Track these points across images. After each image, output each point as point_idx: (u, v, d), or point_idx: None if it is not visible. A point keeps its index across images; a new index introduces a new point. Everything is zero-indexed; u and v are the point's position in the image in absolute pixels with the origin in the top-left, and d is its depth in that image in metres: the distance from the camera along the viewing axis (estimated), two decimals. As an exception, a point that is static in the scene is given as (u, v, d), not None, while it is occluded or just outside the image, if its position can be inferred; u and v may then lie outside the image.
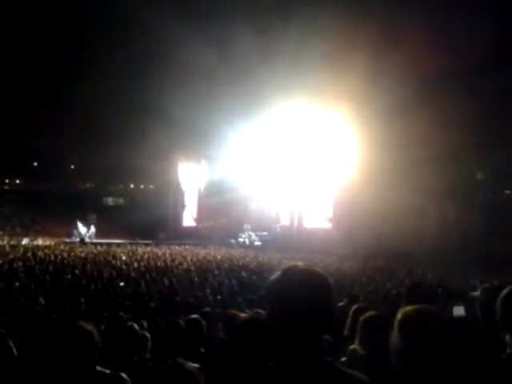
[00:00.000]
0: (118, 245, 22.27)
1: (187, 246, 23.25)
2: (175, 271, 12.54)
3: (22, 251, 16.77)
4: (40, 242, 22.84)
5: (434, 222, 23.43)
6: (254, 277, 11.64)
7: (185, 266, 14.07)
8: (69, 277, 10.64)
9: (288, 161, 29.87)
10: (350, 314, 3.59)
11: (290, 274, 1.52)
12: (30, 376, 2.60)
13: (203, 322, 3.69)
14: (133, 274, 11.53)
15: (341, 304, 5.64)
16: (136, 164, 31.23)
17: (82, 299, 7.17)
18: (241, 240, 28.53)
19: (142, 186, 40.31)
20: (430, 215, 23.79)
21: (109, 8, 23.64)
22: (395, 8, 20.79)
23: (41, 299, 6.75)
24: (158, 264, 14.41)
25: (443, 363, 1.58)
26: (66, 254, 16.08)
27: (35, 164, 38.61)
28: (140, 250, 19.65)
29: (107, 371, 2.38)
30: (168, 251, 19.39)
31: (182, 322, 3.65)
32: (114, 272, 11.59)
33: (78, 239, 25.55)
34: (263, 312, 2.47)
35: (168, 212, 33.03)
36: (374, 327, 2.74)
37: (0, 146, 31.16)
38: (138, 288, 9.36)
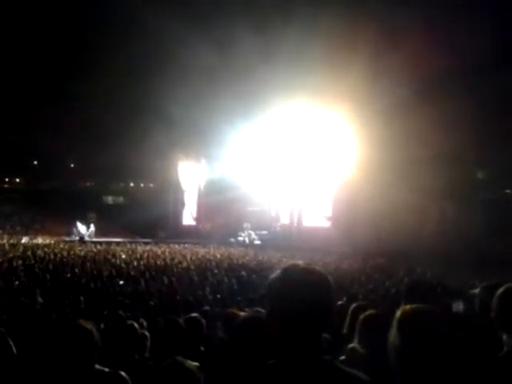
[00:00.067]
0: (118, 243, 22.28)
1: (187, 245, 23.25)
2: (175, 270, 12.54)
3: (21, 250, 16.77)
4: (40, 240, 22.84)
5: (434, 220, 23.44)
6: (254, 276, 11.64)
7: (184, 264, 14.07)
8: (68, 275, 10.64)
9: (288, 160, 29.87)
10: (349, 312, 3.59)
11: (289, 273, 1.52)
12: (30, 374, 2.60)
13: (203, 321, 3.70)
14: (132, 273, 11.53)
15: (340, 303, 5.65)
16: (136, 163, 31.23)
17: (82, 298, 7.17)
18: (240, 239, 28.53)
19: (141, 185, 40.30)
20: (429, 214, 23.80)
21: (109, 8, 23.64)
22: (395, 8, 20.80)
23: (39, 298, 6.74)
24: (158, 263, 14.40)
25: (440, 362, 1.58)
26: (65, 253, 16.08)
27: (35, 163, 38.60)
28: (140, 248, 19.64)
29: (106, 369, 2.38)
30: (168, 250, 19.39)
31: (181, 321, 3.65)
32: (113, 271, 11.59)
33: (77, 238, 25.55)
34: (263, 311, 2.47)
35: (168, 211, 33.00)
36: (373, 326, 2.74)
37: (0, 144, 31.15)
38: (138, 287, 9.36)
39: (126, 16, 24.06)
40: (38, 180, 36.98)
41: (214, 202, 30.08)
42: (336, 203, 27.40)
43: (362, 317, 2.94)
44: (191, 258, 15.97)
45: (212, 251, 20.16)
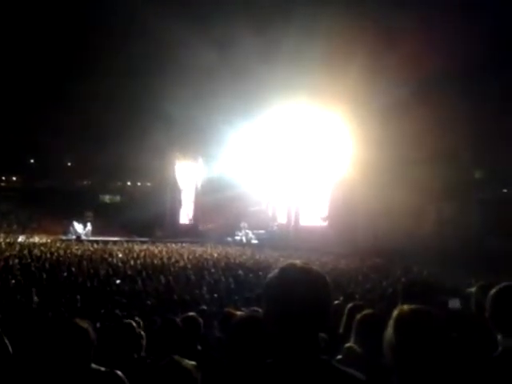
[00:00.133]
0: (115, 242, 22.24)
1: (184, 244, 23.24)
2: (172, 269, 12.53)
3: (18, 249, 16.71)
4: (36, 239, 22.77)
5: (431, 220, 23.49)
6: (251, 275, 11.64)
7: (181, 263, 14.06)
8: (65, 274, 10.61)
9: (285, 160, 29.90)
10: (346, 312, 3.60)
11: (287, 272, 1.52)
12: (26, 373, 2.59)
13: (200, 320, 3.69)
14: (129, 272, 11.51)
15: (336, 302, 5.65)
16: (133, 162, 31.19)
17: (78, 297, 7.16)
18: (238, 238, 28.54)
19: (139, 184, 40.23)
20: (426, 214, 23.85)
21: (109, 8, 23.61)
22: (392, 9, 20.86)
23: (35, 297, 6.72)
24: (155, 262, 14.39)
25: (436, 362, 1.59)
26: (62, 252, 16.04)
27: (32, 161, 38.50)
28: (136, 247, 19.62)
29: (102, 368, 2.38)
30: (165, 249, 19.37)
31: (178, 320, 3.64)
32: (110, 270, 11.57)
33: (74, 237, 25.49)
34: (260, 310, 2.47)
35: (165, 210, 32.96)
36: (369, 325, 2.75)
37: (-4, 143, 31.10)
38: (135, 286, 9.34)
39: (125, 16, 24.05)
40: (35, 178, 36.87)
41: (212, 201, 30.09)
42: (333, 203, 27.43)
43: (358, 316, 2.94)
44: (188, 257, 15.96)
45: (209, 250, 20.16)
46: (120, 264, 13.07)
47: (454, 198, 23.03)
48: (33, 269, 10.86)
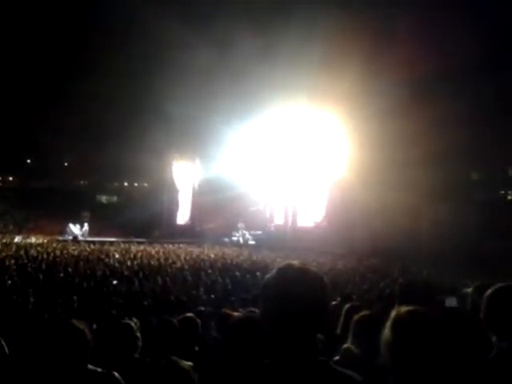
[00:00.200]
0: (112, 243, 22.18)
1: (181, 245, 23.21)
2: (169, 270, 12.50)
3: (14, 249, 16.66)
4: (33, 239, 22.69)
5: (428, 221, 23.53)
6: (248, 276, 11.62)
7: (178, 264, 14.03)
8: (61, 275, 10.58)
9: (283, 161, 29.92)
10: (343, 312, 3.60)
11: (285, 273, 1.52)
12: (22, 374, 2.58)
13: (198, 321, 3.69)
14: (126, 273, 11.48)
15: (334, 303, 5.65)
16: (130, 162, 31.15)
17: (75, 297, 7.13)
18: (235, 239, 28.53)
19: (136, 184, 40.18)
20: (424, 215, 23.90)
21: (109, 8, 23.62)
22: (389, 12, 20.95)
23: (31, 298, 6.70)
24: (152, 263, 14.36)
25: (432, 363, 1.60)
26: (58, 252, 15.99)
27: (29, 161, 38.41)
28: (133, 248, 19.57)
29: (99, 369, 2.37)
30: (162, 250, 19.34)
31: (175, 321, 3.63)
32: (107, 270, 11.54)
33: (70, 237, 25.44)
34: (257, 311, 2.46)
35: (162, 210, 32.93)
36: (367, 326, 2.75)
37: (-7, 143, 31.02)
38: (132, 286, 9.32)
39: (125, 16, 24.08)
40: (32, 179, 36.77)
41: (209, 201, 30.08)
42: (330, 204, 27.47)
43: (356, 317, 2.95)
44: (185, 258, 15.93)
45: (206, 251, 20.14)
46: (117, 265, 13.03)
47: (450, 199, 23.08)
48: (29, 269, 10.82)
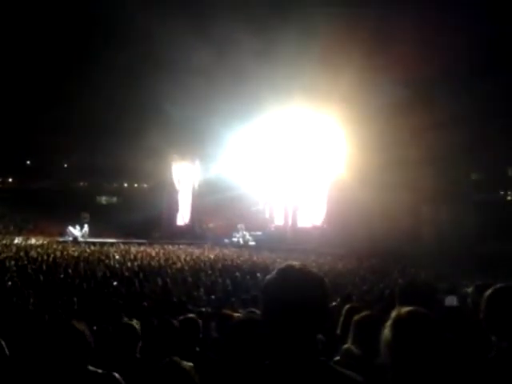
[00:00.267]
0: (112, 244, 22.17)
1: (181, 246, 23.20)
2: (169, 271, 12.50)
3: (14, 250, 16.66)
4: (33, 241, 22.69)
5: (428, 221, 23.55)
6: (248, 276, 11.62)
7: (178, 265, 14.04)
8: (62, 276, 10.58)
9: (282, 161, 29.93)
10: (343, 313, 3.60)
11: (285, 274, 1.52)
12: (22, 375, 2.58)
13: (199, 322, 3.69)
14: (126, 274, 11.48)
15: (334, 303, 5.66)
16: (130, 163, 31.15)
17: (75, 298, 7.13)
18: (235, 240, 28.51)
19: (135, 185, 40.17)
20: (423, 215, 23.92)
21: (109, 8, 23.65)
22: (387, 13, 20.98)
23: (31, 299, 6.69)
24: (152, 263, 14.37)
25: (432, 363, 1.60)
26: (58, 253, 15.99)
27: (28, 162, 38.41)
28: (133, 249, 19.57)
29: (99, 371, 2.37)
30: (162, 251, 19.34)
31: (175, 322, 3.63)
32: (107, 271, 11.54)
33: (71, 238, 25.43)
34: (257, 311, 2.47)
35: (162, 211, 32.92)
36: (367, 327, 2.75)
37: (-8, 144, 31.01)
38: (132, 287, 9.32)
39: (125, 16, 24.07)
40: (31, 180, 36.76)
41: (209, 202, 30.08)
42: (330, 204, 27.48)
43: (356, 318, 2.95)
44: (185, 259, 15.93)
45: (206, 252, 20.13)
46: (117, 266, 13.03)
47: (450, 200, 23.11)
48: (29, 270, 10.82)
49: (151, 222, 30.09)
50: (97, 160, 32.59)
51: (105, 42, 25.32)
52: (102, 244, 21.56)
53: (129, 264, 13.74)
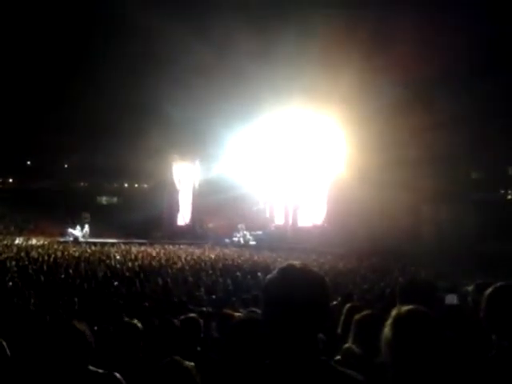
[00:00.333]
0: (112, 244, 22.18)
1: (182, 246, 23.21)
2: (169, 271, 12.51)
3: (15, 251, 16.67)
4: (34, 241, 22.70)
5: (428, 221, 23.55)
6: (249, 276, 11.63)
7: (179, 265, 14.05)
8: (62, 276, 10.59)
9: (283, 161, 29.94)
10: (344, 312, 3.60)
11: (286, 273, 1.52)
12: (23, 376, 2.59)
13: (201, 321, 3.69)
14: (127, 274, 11.48)
15: (334, 303, 5.66)
16: (130, 163, 31.15)
17: (76, 299, 7.13)
18: (235, 239, 28.51)
19: (136, 185, 40.18)
20: (423, 214, 23.92)
21: (108, 8, 23.66)
22: (386, 14, 20.99)
23: (32, 300, 6.70)
24: (153, 263, 14.38)
25: (432, 362, 1.61)
26: (59, 254, 16.00)
27: (29, 163, 38.41)
28: (134, 249, 19.59)
29: (100, 371, 2.38)
30: (162, 251, 19.35)
31: (176, 321, 3.64)
32: (108, 271, 11.55)
33: (71, 238, 25.44)
34: (258, 311, 2.47)
35: (162, 211, 32.91)
36: (368, 326, 2.75)
37: (-8, 144, 31.03)
38: (132, 287, 9.32)
39: (125, 16, 24.10)
40: (32, 180, 36.78)
41: (209, 202, 30.08)
42: (330, 204, 27.48)
43: (356, 317, 2.95)
44: (186, 259, 15.94)
45: (207, 252, 20.14)
46: (118, 266, 13.04)
47: (450, 199, 23.10)
48: (30, 271, 10.83)
49: (152, 222, 30.09)
50: (97, 160, 32.60)
51: (106, 42, 25.34)
52: (103, 244, 21.58)
53: (129, 264, 13.75)
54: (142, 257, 16.31)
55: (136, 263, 14.14)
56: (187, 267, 13.55)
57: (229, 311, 4.03)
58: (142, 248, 20.45)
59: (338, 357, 2.81)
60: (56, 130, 29.65)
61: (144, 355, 3.42)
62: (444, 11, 20.64)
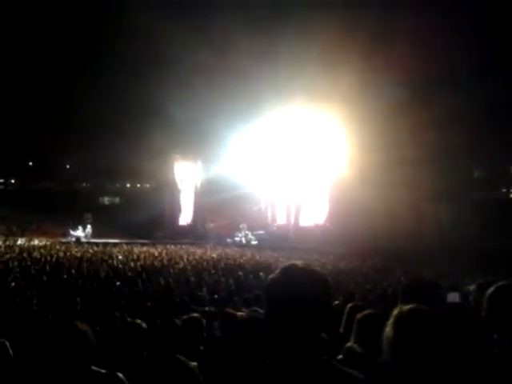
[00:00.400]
0: (115, 244, 22.22)
1: (184, 246, 23.23)
2: (171, 271, 12.52)
3: (17, 251, 16.70)
4: (36, 241, 22.73)
5: (430, 220, 23.51)
6: (251, 276, 11.63)
7: (181, 265, 14.06)
8: (65, 276, 10.60)
9: (284, 161, 29.94)
10: (346, 312, 3.60)
11: (289, 273, 1.53)
12: (26, 376, 2.60)
13: (203, 321, 3.69)
14: (129, 274, 11.50)
15: (336, 302, 5.66)
16: (132, 163, 31.19)
17: (78, 299, 7.14)
18: (237, 239, 28.53)
19: (138, 186, 40.23)
20: (425, 214, 23.87)
21: (110, 9, 23.69)
22: (387, 14, 20.98)
23: (35, 300, 6.71)
24: (155, 263, 14.40)
25: (433, 361, 1.61)
26: (61, 254, 16.03)
27: (31, 163, 38.48)
28: (136, 249, 19.61)
29: (103, 371, 2.38)
30: (164, 251, 19.37)
31: (178, 321, 3.64)
32: (110, 272, 11.56)
33: (73, 239, 25.49)
34: (260, 310, 2.47)
35: (164, 211, 32.95)
36: (370, 325, 2.75)
37: (-5, 145, 31.10)
38: (135, 287, 9.33)
39: (126, 17, 24.12)
40: (34, 181, 36.84)
41: (211, 202, 30.10)
42: (331, 203, 27.48)
43: (358, 316, 2.95)
44: (188, 259, 15.95)
45: (209, 252, 20.15)
46: (120, 266, 13.06)
47: (452, 198, 23.07)
48: (32, 271, 10.85)
49: (154, 222, 30.13)
50: (99, 160, 32.65)
51: (109, 44, 25.36)
52: (105, 244, 21.62)
53: (132, 264, 13.76)
54: (144, 257, 16.33)
55: (138, 263, 14.16)
56: (189, 267, 13.56)
57: (231, 311, 4.04)
58: (144, 248, 20.49)
59: (340, 356, 2.81)
60: (58, 131, 29.71)
61: (147, 355, 3.43)
62: (444, 12, 20.62)
